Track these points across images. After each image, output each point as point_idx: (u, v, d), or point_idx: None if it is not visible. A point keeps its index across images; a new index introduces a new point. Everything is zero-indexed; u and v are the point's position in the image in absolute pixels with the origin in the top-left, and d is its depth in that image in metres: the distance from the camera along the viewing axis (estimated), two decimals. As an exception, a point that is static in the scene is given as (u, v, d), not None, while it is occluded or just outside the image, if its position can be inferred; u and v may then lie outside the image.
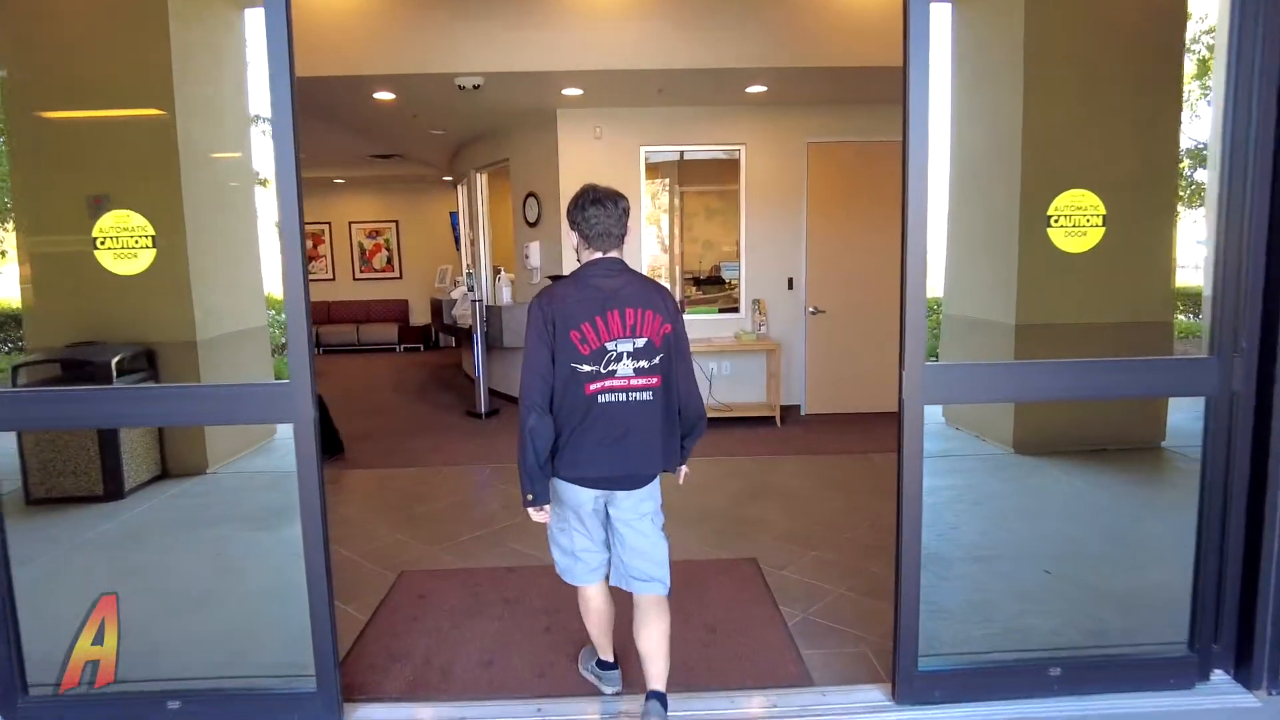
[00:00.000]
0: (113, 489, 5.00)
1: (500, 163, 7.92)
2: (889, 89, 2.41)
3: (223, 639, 3.22)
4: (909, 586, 2.54)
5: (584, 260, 2.48)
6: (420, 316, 13.81)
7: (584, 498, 2.41)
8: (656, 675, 2.48)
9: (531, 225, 7.40)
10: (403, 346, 13.19)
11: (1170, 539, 4.33)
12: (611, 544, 2.56)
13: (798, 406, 7.27)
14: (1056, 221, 2.47)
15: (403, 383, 10.04)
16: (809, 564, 3.93)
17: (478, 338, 7.40)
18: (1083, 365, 2.48)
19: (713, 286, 7.88)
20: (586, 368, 2.31)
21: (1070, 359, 2.45)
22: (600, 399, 2.32)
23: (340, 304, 13.71)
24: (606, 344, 2.31)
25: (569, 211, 2.47)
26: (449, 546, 4.27)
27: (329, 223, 13.72)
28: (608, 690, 2.75)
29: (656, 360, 2.37)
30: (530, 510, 2.37)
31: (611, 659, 2.76)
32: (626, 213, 2.46)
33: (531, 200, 7.35)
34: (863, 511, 4.65)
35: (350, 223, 13.71)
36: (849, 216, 7.07)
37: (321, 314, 13.59)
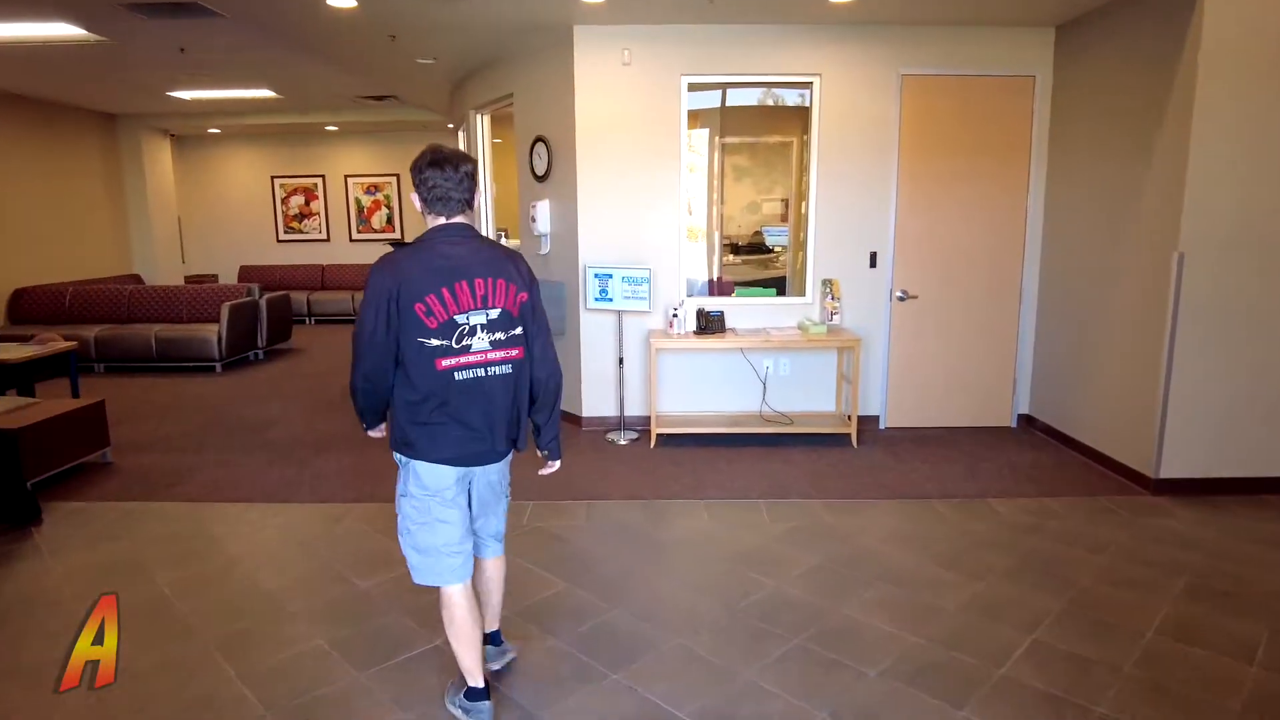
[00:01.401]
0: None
1: (503, 100, 6.31)
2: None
3: None
4: None
5: (430, 226, 2.30)
6: (424, 283, 12.34)
7: (448, 480, 2.31)
8: (491, 616, 2.64)
9: (540, 179, 5.81)
10: (403, 317, 11.71)
11: None
12: None
13: (876, 418, 5.69)
14: None
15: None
16: (961, 743, 2.40)
17: (471, 321, 5.88)
18: None
19: (754, 255, 6.45)
20: (435, 342, 2.18)
21: None
22: (457, 375, 2.22)
23: (336, 268, 12.23)
24: (456, 317, 2.19)
25: (411, 173, 2.30)
26: (388, 670, 2.79)
27: (322, 175, 12.20)
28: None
29: (517, 331, 2.30)
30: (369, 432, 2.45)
31: (482, 684, 2.45)
32: (470, 176, 2.27)
33: (540, 147, 5.75)
34: (1011, 614, 3.09)
35: (346, 176, 12.18)
36: (954, 174, 5.41)
37: (315, 279, 12.15)
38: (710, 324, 5.29)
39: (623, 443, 5.35)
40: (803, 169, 5.84)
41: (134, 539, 3.92)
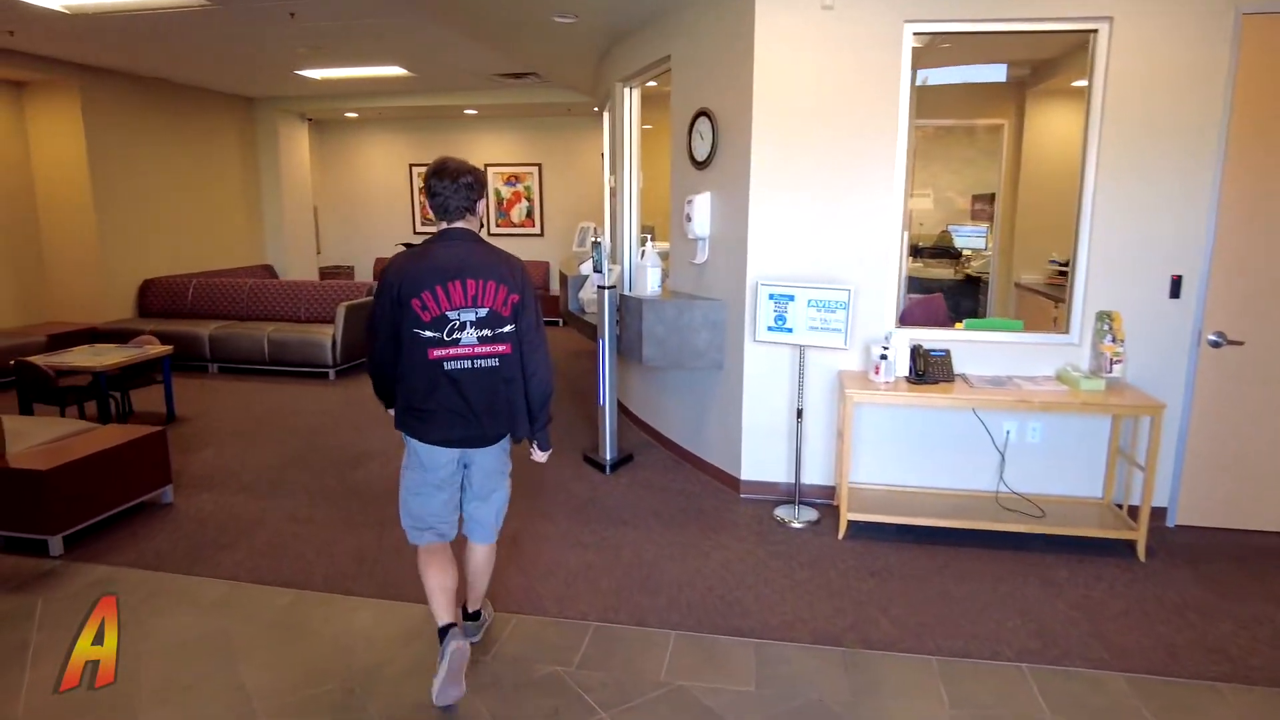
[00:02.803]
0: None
1: (657, 66, 5.01)
2: None
3: None
4: None
5: (438, 229, 2.54)
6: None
7: (442, 459, 2.54)
8: (474, 598, 2.86)
9: (700, 166, 4.48)
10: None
11: None
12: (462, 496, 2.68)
13: (1162, 512, 3.99)
14: None
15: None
16: None
17: (604, 345, 4.63)
18: None
19: (938, 258, 5.63)
20: (428, 334, 2.41)
21: None
22: (446, 365, 2.43)
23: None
24: (448, 313, 2.41)
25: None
26: None
27: (461, 164, 11.39)
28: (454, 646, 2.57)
29: (505, 329, 2.48)
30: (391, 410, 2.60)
31: (447, 622, 2.57)
32: (471, 187, 2.49)
33: (702, 124, 4.42)
34: None
35: (486, 165, 11.32)
36: (1319, 161, 3.64)
37: (448, 274, 11.39)
38: (930, 368, 3.79)
39: (798, 525, 3.94)
40: (1016, 157, 4.53)
41: (136, 645, 2.90)
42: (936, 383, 3.77)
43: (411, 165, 11.53)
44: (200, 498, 4.35)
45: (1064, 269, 7.94)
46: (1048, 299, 6.92)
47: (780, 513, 4.07)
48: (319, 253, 11.42)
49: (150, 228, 8.48)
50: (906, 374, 3.85)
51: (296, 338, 7.29)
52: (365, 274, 11.90)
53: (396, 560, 3.55)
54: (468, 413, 2.46)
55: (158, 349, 5.71)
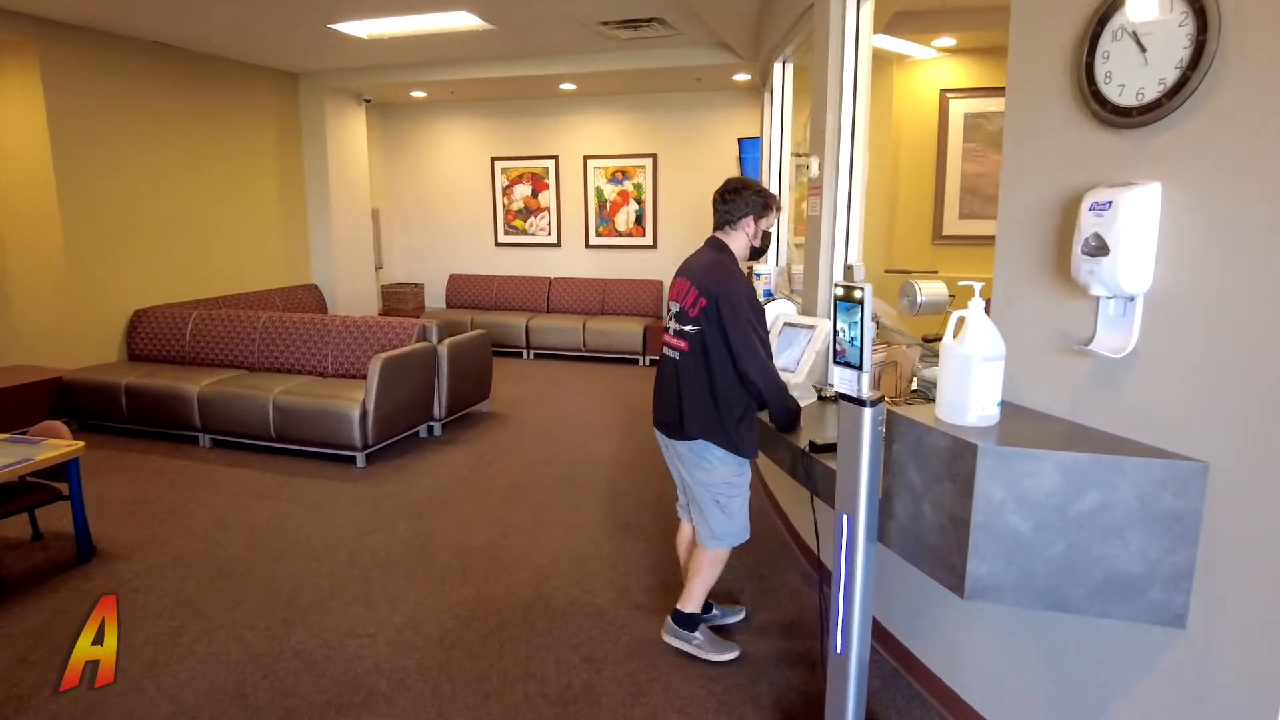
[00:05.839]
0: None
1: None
2: None
3: None
4: None
5: None
6: (680, 308, 8.85)
7: (658, 431, 2.82)
8: (683, 595, 2.87)
9: (1127, 118, 1.86)
10: (649, 358, 8.27)
11: None
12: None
13: None
14: None
15: (626, 460, 4.99)
16: None
17: (851, 532, 2.06)
18: None
19: None
20: (665, 320, 2.84)
21: None
22: (664, 350, 2.77)
23: (565, 283, 9.04)
24: (671, 304, 2.75)
25: None
26: None
27: (555, 157, 9.04)
28: (725, 620, 3.05)
29: (688, 328, 2.64)
30: None
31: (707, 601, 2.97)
32: (733, 204, 2.67)
33: (1148, 19, 1.80)
34: None
35: (586, 158, 8.94)
36: None
37: (539, 299, 9.06)
38: None
39: None
40: None
41: None
42: None
43: (494, 159, 9.25)
44: None
45: None
46: None
47: None
48: (379, 268, 9.29)
49: (147, 240, 6.44)
50: None
51: (312, 406, 5.00)
52: (438, 296, 9.70)
53: None
54: (659, 396, 2.76)
55: (58, 450, 3.50)
